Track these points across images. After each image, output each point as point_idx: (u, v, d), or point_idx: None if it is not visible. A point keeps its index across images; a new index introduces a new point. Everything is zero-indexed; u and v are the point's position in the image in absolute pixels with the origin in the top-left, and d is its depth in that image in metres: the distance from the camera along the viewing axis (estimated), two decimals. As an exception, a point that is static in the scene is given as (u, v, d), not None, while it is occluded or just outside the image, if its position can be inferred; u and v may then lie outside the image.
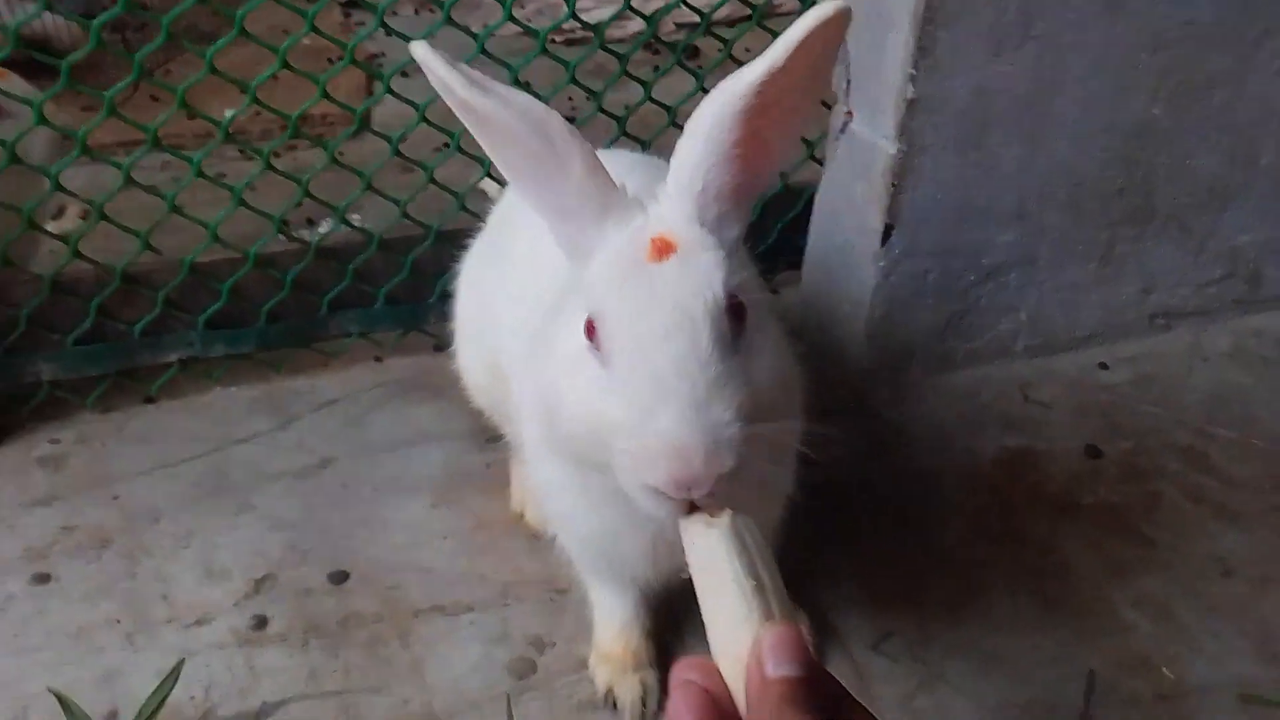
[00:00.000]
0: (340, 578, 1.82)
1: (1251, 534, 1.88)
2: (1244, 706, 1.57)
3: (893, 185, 2.01)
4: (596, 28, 2.22)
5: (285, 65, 1.96)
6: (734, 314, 1.01)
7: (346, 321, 2.32)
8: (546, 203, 1.09)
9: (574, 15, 2.17)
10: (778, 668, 0.81)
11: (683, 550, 0.97)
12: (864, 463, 2.00)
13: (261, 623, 1.73)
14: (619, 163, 1.67)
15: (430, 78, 1.03)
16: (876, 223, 2.06)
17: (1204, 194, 2.24)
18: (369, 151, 2.34)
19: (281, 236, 2.17)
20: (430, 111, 2.10)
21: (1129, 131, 2.10)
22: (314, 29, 1.97)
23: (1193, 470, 2.03)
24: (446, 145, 2.19)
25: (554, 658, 1.68)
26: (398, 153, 2.16)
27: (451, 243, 2.16)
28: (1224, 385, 2.26)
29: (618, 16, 2.31)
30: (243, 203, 2.07)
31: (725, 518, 0.95)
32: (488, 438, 2.12)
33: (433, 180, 2.20)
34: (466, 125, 1.07)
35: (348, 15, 4.39)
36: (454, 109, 1.05)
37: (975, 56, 1.90)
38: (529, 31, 2.18)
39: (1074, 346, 2.35)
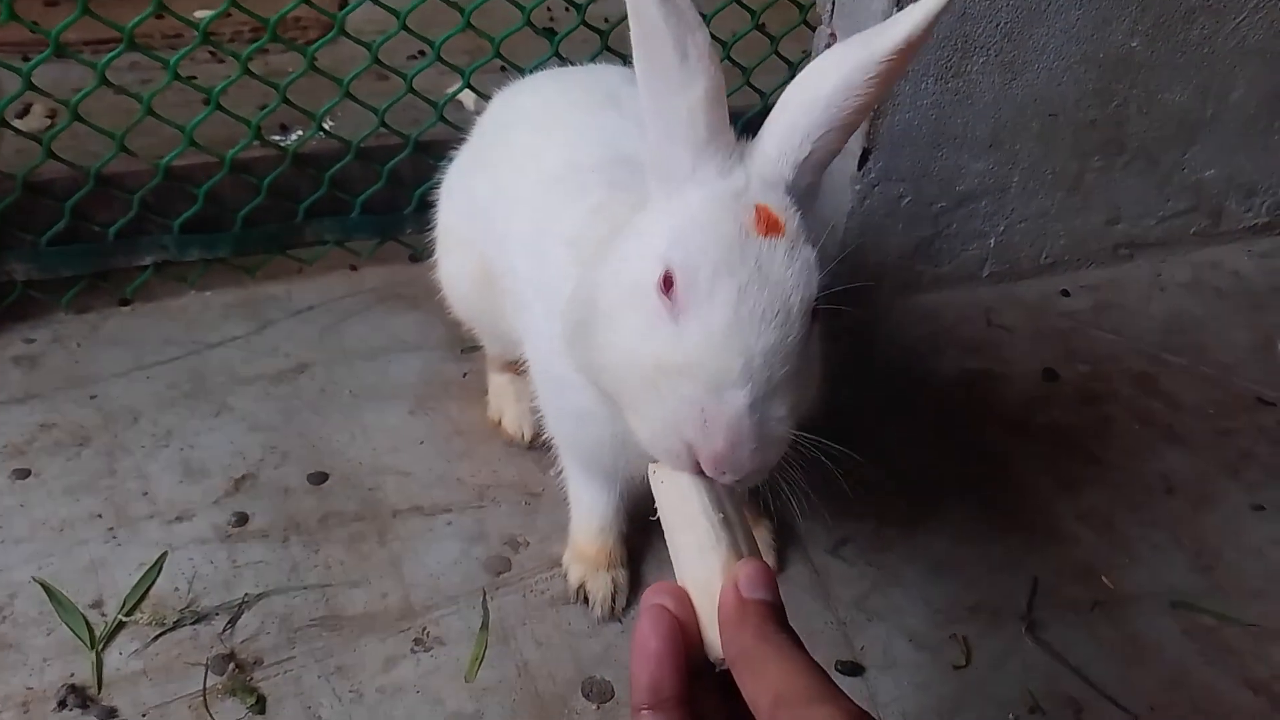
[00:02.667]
0: (320, 478, 1.86)
1: (1195, 455, 1.97)
2: (1174, 612, 1.67)
3: (872, 110, 2.03)
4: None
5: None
6: (811, 316, 1.02)
7: (322, 229, 2.32)
8: (659, 113, 1.05)
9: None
10: (754, 591, 0.85)
11: None
12: (827, 382, 2.06)
13: (242, 519, 1.77)
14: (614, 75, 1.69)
15: None
16: (855, 146, 2.08)
17: (1173, 127, 2.29)
18: (344, 56, 2.30)
19: (257, 142, 2.15)
20: (409, 18, 2.08)
21: (1106, 64, 2.13)
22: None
23: (1143, 395, 2.12)
24: (423, 53, 2.18)
25: (528, 556, 1.75)
26: (377, 60, 2.13)
27: (429, 153, 2.19)
28: (1179, 315, 2.35)
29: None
30: (219, 106, 2.05)
31: None
32: (464, 348, 2.16)
33: (412, 89, 2.19)
34: (629, 11, 1.02)
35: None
36: None
37: (960, -21, 1.92)
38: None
39: (1038, 274, 2.41)
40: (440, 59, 2.16)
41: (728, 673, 0.84)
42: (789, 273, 1.00)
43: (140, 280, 2.22)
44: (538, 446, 1.92)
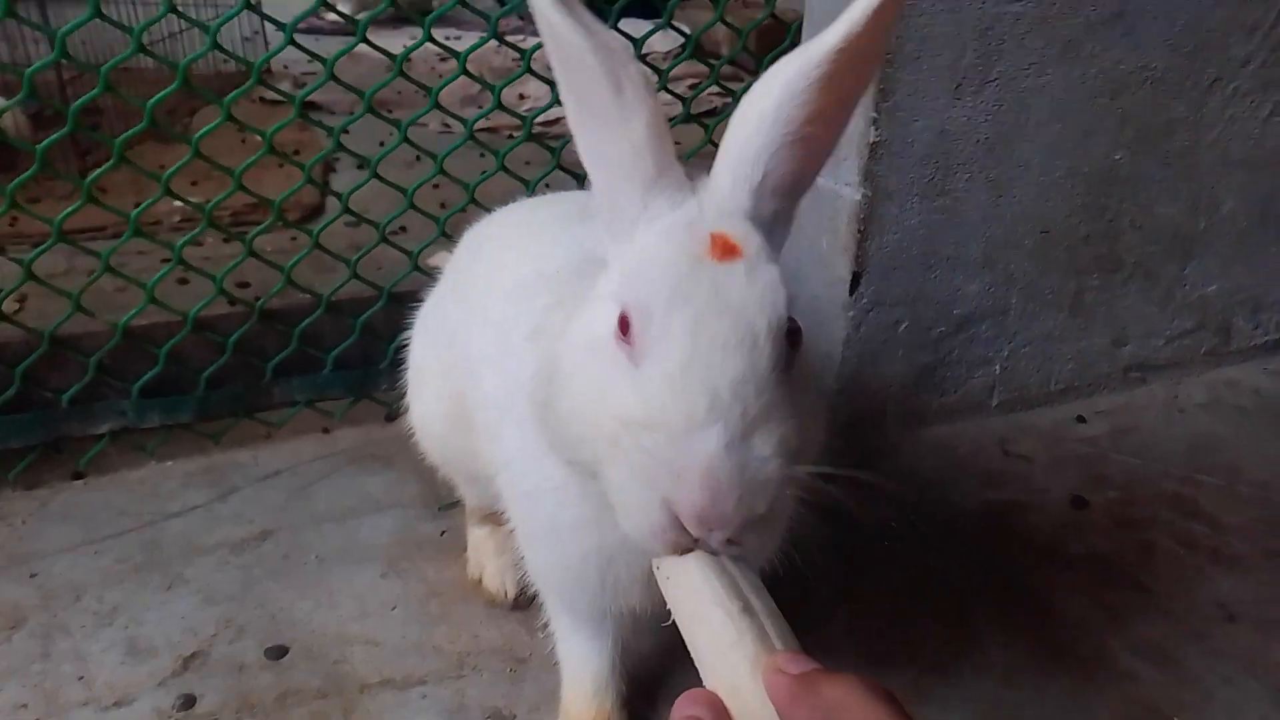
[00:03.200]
0: (279, 653, 1.66)
1: (1251, 578, 1.79)
2: (1268, 755, 1.45)
3: (859, 232, 1.97)
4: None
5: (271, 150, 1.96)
6: (790, 339, 0.91)
7: (292, 389, 2.20)
8: (600, 154, 0.98)
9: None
10: (802, 666, 0.73)
11: None
12: (843, 519, 1.89)
13: (189, 702, 1.56)
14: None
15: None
16: (844, 272, 2.00)
17: (1168, 242, 2.23)
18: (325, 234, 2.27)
19: (223, 298, 2.06)
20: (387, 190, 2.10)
21: (1093, 178, 2.09)
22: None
23: (1183, 518, 1.95)
24: (404, 229, 2.16)
25: (515, 730, 1.52)
26: (347, 209, 2.10)
27: (404, 304, 2.09)
28: (1204, 435, 2.21)
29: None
30: (183, 262, 1.98)
31: (696, 552, 0.86)
32: (441, 505, 2.01)
33: (385, 239, 2.12)
34: (549, 53, 0.96)
35: (305, 115, 4.42)
36: (545, 41, 0.94)
37: (936, 99, 1.89)
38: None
39: (1049, 401, 2.29)
40: (413, 206, 2.12)
41: None
42: (751, 295, 0.89)
43: (95, 450, 2.08)
44: (523, 606, 1.75)
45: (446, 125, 4.07)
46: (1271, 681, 1.57)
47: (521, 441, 1.19)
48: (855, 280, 2.00)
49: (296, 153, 3.09)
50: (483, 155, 2.29)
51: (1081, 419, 2.26)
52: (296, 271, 2.11)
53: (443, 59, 4.72)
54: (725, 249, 0.91)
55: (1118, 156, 2.09)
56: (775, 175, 0.97)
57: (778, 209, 1.00)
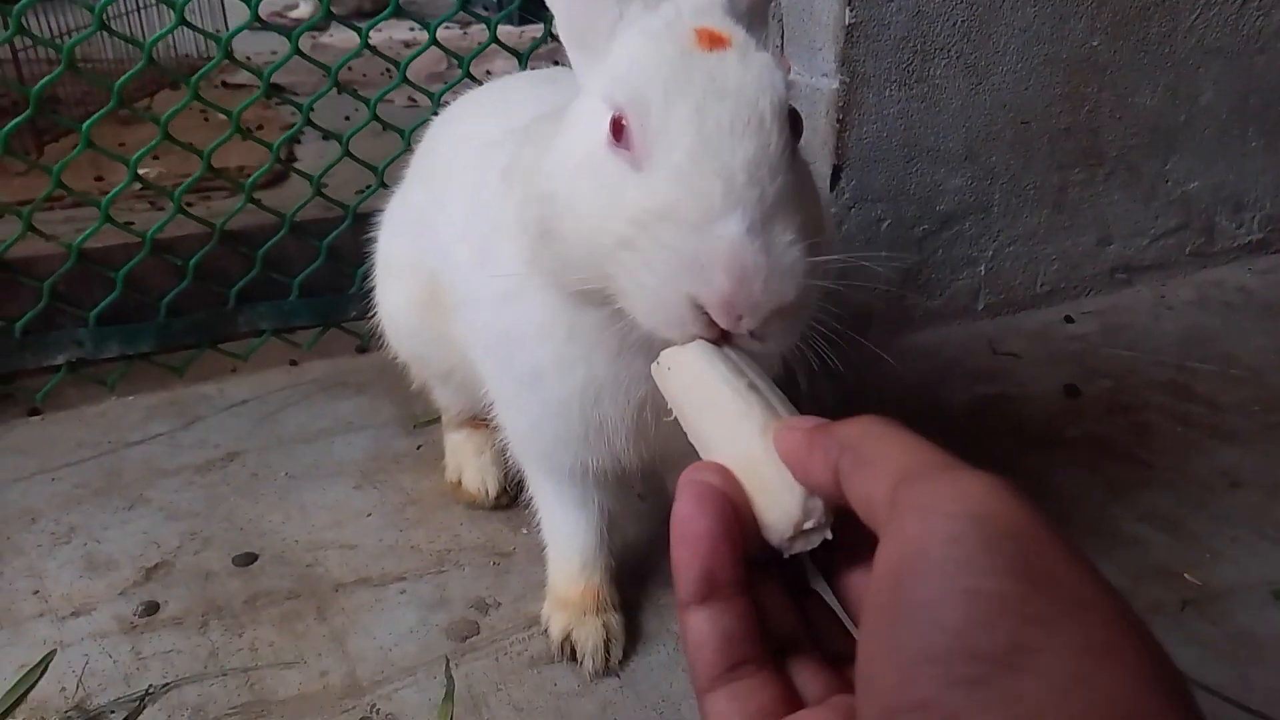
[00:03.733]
0: (247, 559, 1.57)
1: (1253, 449, 1.74)
2: (1278, 602, 1.39)
3: (838, 122, 1.92)
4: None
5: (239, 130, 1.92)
6: (792, 124, 0.87)
7: (257, 316, 2.12)
8: None
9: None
10: (812, 422, 0.66)
11: (665, 409, 0.81)
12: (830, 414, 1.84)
13: (152, 608, 1.47)
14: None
15: None
16: (824, 167, 1.95)
17: (1149, 134, 2.19)
18: (291, 196, 2.20)
19: (181, 215, 1.97)
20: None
21: (1070, 64, 2.05)
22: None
23: (1178, 400, 1.90)
24: (370, 186, 2.11)
25: (500, 617, 1.45)
26: (319, 192, 2.06)
27: (371, 225, 2.02)
28: (1195, 328, 2.17)
29: None
30: (138, 178, 1.90)
31: (696, 341, 0.81)
32: (418, 422, 1.93)
33: (348, 153, 2.05)
34: None
35: (269, 97, 4.37)
36: None
37: (909, -21, 1.85)
38: None
39: (1036, 304, 2.25)
40: (384, 185, 2.06)
41: (797, 566, 0.69)
42: (748, 78, 0.85)
43: (52, 384, 1.98)
44: (504, 505, 1.68)
45: (413, 100, 4.02)
46: (1279, 537, 1.53)
47: (497, 282, 1.13)
48: (836, 174, 1.95)
49: (260, 128, 3.04)
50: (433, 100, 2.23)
51: (1069, 319, 2.21)
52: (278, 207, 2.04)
53: (407, 45, 4.70)
54: (713, 40, 0.88)
55: (1095, 43, 2.05)
56: None
57: (751, 3, 0.96)
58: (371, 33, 1.98)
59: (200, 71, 1.88)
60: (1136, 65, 2.11)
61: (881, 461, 0.58)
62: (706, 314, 0.80)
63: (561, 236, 0.93)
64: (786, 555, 0.66)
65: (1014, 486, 0.53)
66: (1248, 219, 2.40)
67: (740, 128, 0.82)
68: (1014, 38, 1.97)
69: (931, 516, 0.52)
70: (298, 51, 1.93)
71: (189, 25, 1.83)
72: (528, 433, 1.28)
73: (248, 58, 4.93)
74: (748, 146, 0.82)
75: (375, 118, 2.06)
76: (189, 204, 1.99)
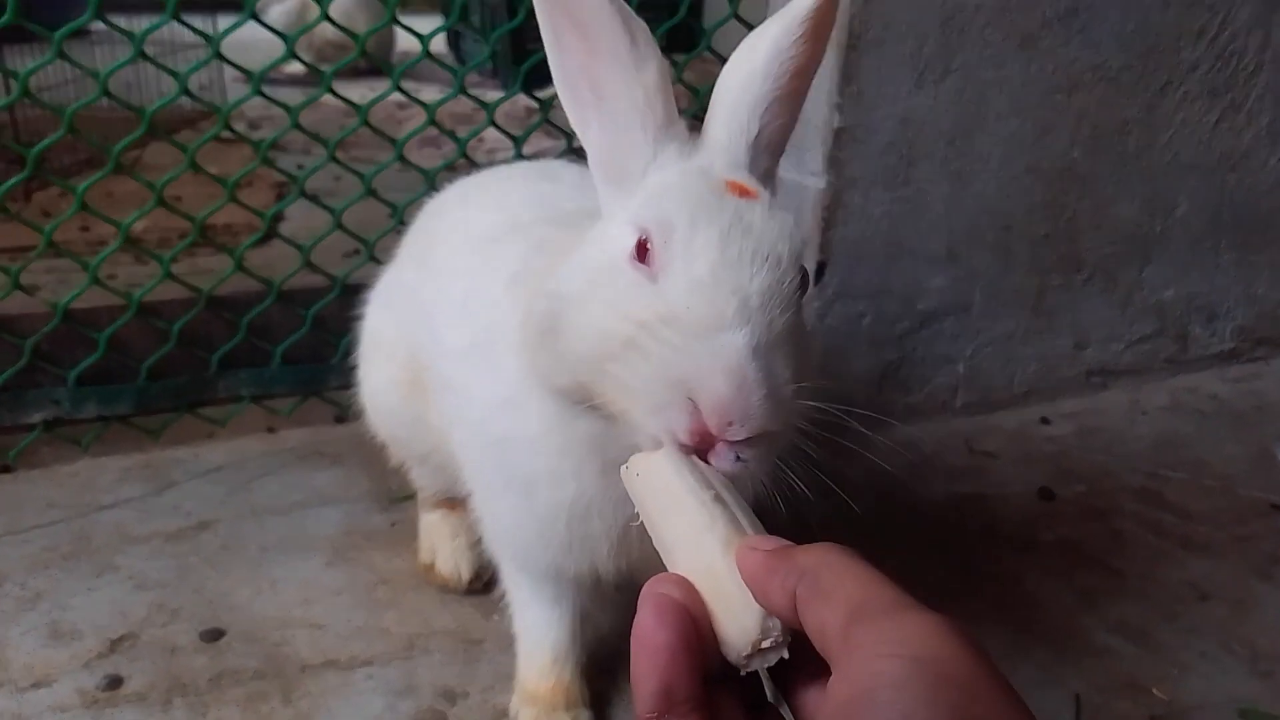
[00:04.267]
0: (214, 635, 1.55)
1: (1221, 560, 1.76)
2: (1246, 722, 1.40)
3: (824, 220, 1.96)
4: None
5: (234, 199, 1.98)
6: (802, 278, 0.91)
7: (238, 382, 2.12)
8: (602, 104, 1.00)
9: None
10: (774, 543, 0.70)
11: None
12: (810, 509, 1.84)
13: (115, 683, 1.45)
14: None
15: None
16: (810, 263, 1.99)
17: (1126, 243, 2.25)
18: (275, 256, 2.23)
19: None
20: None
21: (1051, 174, 2.11)
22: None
23: (1150, 507, 1.92)
24: (358, 252, 2.13)
25: (467, 708, 1.43)
26: (308, 263, 2.10)
27: (357, 297, 2.04)
28: (1168, 434, 2.20)
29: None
30: (129, 239, 1.91)
31: (664, 449, 0.83)
32: (392, 499, 1.92)
33: (340, 226, 2.07)
34: (543, 11, 0.98)
35: (268, 160, 4.41)
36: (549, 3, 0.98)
37: (898, 86, 1.90)
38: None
39: (1013, 403, 2.27)
40: (374, 258, 2.08)
41: (754, 681, 0.70)
42: (772, 225, 0.90)
43: (26, 442, 1.97)
44: (477, 590, 1.67)
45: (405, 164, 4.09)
46: (1246, 655, 1.53)
47: (495, 388, 1.16)
48: (820, 270, 1.99)
49: (249, 184, 3.07)
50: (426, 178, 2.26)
51: (1046, 420, 2.24)
52: (260, 268, 2.05)
53: (401, 106, 4.76)
54: (743, 191, 0.94)
55: (1075, 154, 2.11)
56: (767, 130, 1.01)
57: (767, 166, 1.02)
58: (366, 91, 2.02)
59: (198, 142, 1.91)
60: (1115, 177, 2.17)
61: (837, 594, 0.60)
62: (699, 416, 0.81)
63: (565, 333, 0.95)
64: (744, 672, 0.67)
65: (961, 628, 0.56)
66: (1220, 328, 2.45)
67: (760, 260, 0.87)
68: (997, 146, 2.03)
69: (880, 659, 0.55)
70: (297, 125, 1.96)
71: (191, 96, 1.86)
72: (509, 532, 1.28)
73: (242, 112, 5.00)
74: (764, 277, 0.86)
75: (370, 193, 2.08)
76: (157, 254, 1.99)
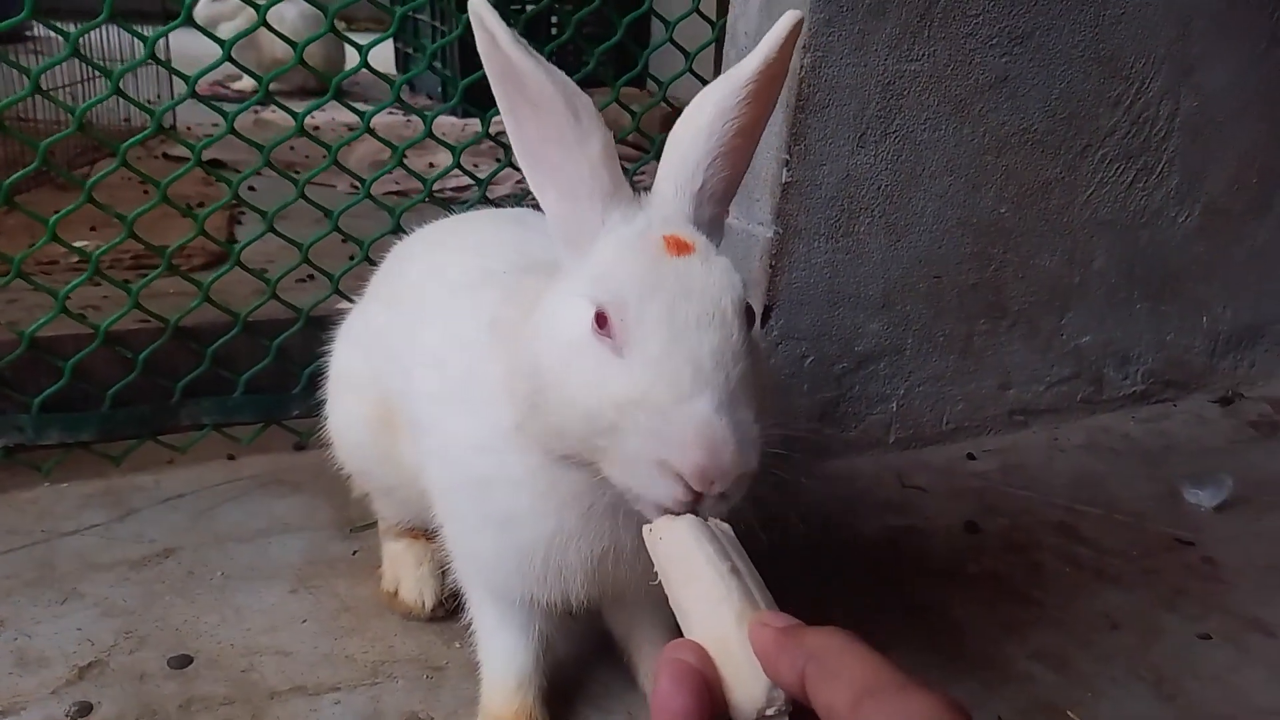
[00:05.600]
0: (182, 662, 1.60)
1: (1130, 593, 1.91)
2: (1152, 743, 1.54)
3: (770, 267, 2.08)
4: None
5: (165, 199, 1.96)
6: (747, 317, 1.02)
7: (200, 410, 2.16)
8: (555, 178, 1.09)
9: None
10: (785, 620, 0.78)
11: (624, 559, 1.04)
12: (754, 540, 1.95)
13: (85, 709, 1.49)
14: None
15: (479, 32, 1.04)
16: (756, 305, 2.08)
17: (1048, 293, 2.41)
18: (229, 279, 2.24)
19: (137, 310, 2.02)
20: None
21: (980, 229, 2.26)
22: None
23: (1067, 541, 2.07)
24: (311, 278, 2.18)
25: (433, 733, 1.50)
26: (274, 295, 2.15)
27: (322, 328, 2.09)
28: (1084, 472, 2.36)
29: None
30: (98, 270, 1.94)
31: (688, 515, 0.93)
32: (354, 527, 1.98)
33: (307, 260, 2.13)
34: (497, 88, 1.07)
35: (208, 174, 4.40)
36: (492, 71, 1.06)
37: (842, 145, 2.04)
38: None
39: (942, 439, 2.42)
40: (339, 292, 2.15)
41: None
42: (711, 279, 1.01)
43: (-15, 468, 1.99)
44: (440, 618, 1.74)
45: (354, 187, 4.12)
46: (1152, 679, 1.68)
47: (475, 431, 1.23)
48: (766, 313, 2.11)
49: (200, 205, 3.09)
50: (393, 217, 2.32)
51: (972, 456, 2.39)
52: (217, 293, 2.09)
53: (350, 128, 4.79)
54: (679, 246, 1.04)
55: (1003, 210, 2.27)
56: (711, 183, 1.11)
57: (712, 214, 1.13)
58: (315, 114, 2.07)
59: (130, 140, 1.89)
60: (1038, 232, 2.34)
61: (844, 674, 0.68)
62: (684, 484, 0.92)
63: (552, 412, 1.05)
64: None
65: (960, 705, 0.63)
66: (1132, 371, 2.63)
67: (706, 322, 0.97)
68: (930, 202, 2.18)
69: None
70: (233, 130, 2.00)
71: (123, 95, 1.89)
72: (485, 564, 1.36)
73: (188, 128, 4.98)
74: (713, 338, 0.96)
75: (304, 197, 2.12)
76: (126, 280, 2.03)
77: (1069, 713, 1.59)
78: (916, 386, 2.34)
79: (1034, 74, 2.18)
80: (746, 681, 0.75)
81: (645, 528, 0.94)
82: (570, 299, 1.06)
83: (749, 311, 1.02)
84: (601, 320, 1.00)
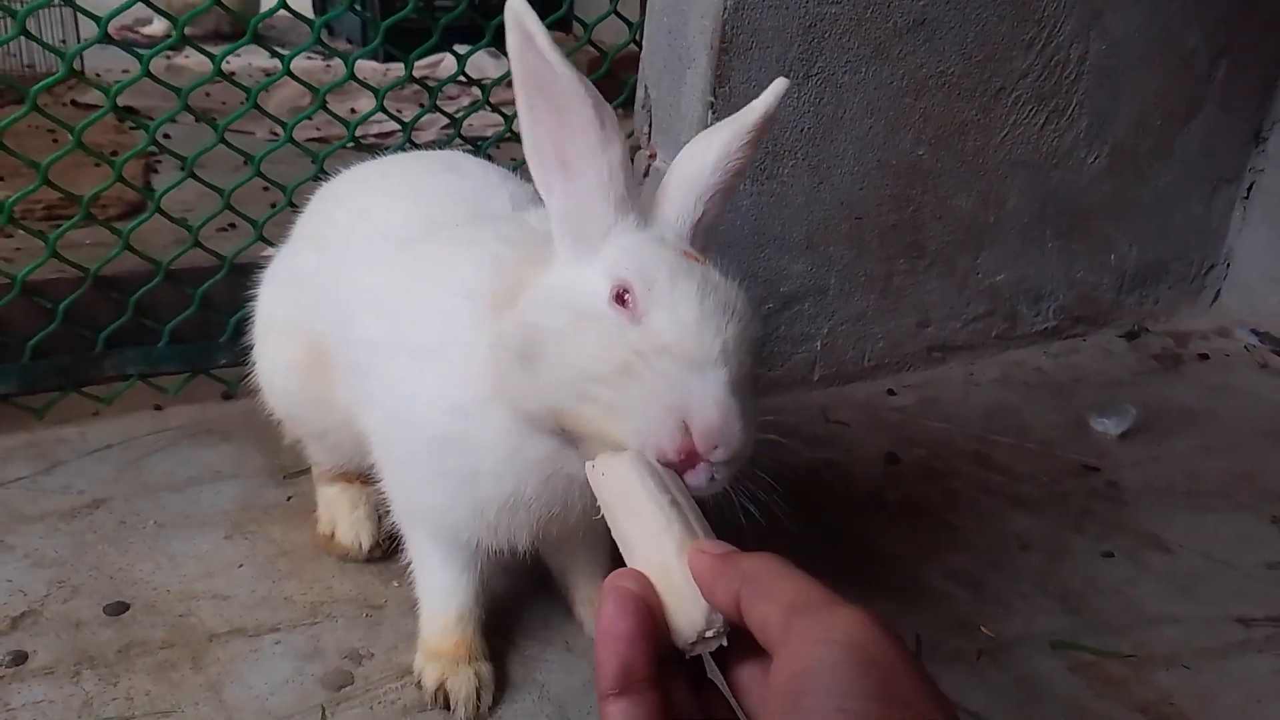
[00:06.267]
0: (119, 609, 1.61)
1: (1040, 516, 2.02)
2: (1055, 652, 1.65)
3: (696, 209, 2.11)
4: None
5: (80, 145, 1.90)
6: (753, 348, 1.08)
7: (124, 361, 2.13)
8: (570, 176, 1.13)
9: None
10: (723, 548, 0.82)
11: (571, 518, 1.12)
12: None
13: (20, 658, 1.49)
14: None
15: (515, 33, 1.07)
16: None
17: (964, 232, 2.49)
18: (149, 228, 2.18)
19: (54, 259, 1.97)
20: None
21: (899, 170, 2.32)
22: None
23: (981, 469, 2.17)
24: (233, 225, 2.15)
25: (373, 668, 1.54)
26: (198, 242, 2.11)
27: (246, 276, 2.07)
28: (997, 404, 2.47)
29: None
30: (12, 219, 1.89)
31: (630, 451, 0.97)
32: (287, 474, 1.99)
33: (229, 205, 2.10)
34: (522, 86, 1.10)
35: (122, 120, 4.25)
36: (521, 69, 1.09)
37: (765, 87, 2.06)
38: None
39: (864, 376, 2.50)
40: (263, 238, 2.12)
41: (697, 661, 0.83)
42: (731, 285, 1.08)
43: (-101, 423, 1.94)
44: (376, 558, 1.76)
45: (274, 133, 4.02)
46: (1058, 595, 1.79)
47: (447, 394, 1.26)
48: (693, 255, 2.14)
49: (114, 153, 2.99)
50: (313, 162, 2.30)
51: (892, 392, 2.48)
52: (135, 241, 2.05)
53: (268, 74, 4.65)
54: (695, 259, 1.10)
55: (920, 152, 2.33)
56: (709, 215, 1.18)
57: (704, 243, 1.19)
58: (230, 58, 2.03)
59: (40, 84, 1.84)
60: (955, 173, 2.41)
61: (776, 595, 0.73)
62: (689, 438, 0.96)
63: (544, 361, 1.08)
64: (688, 656, 0.80)
65: (882, 621, 0.69)
66: (1044, 308, 2.74)
67: (729, 312, 1.04)
68: (851, 145, 2.23)
69: (816, 645, 0.67)
70: (148, 73, 1.94)
71: (29, 36, 1.83)
72: (433, 513, 1.39)
73: (98, 74, 4.80)
74: (735, 326, 1.03)
75: (224, 142, 2.08)
76: (41, 232, 1.98)
77: (982, 628, 1.69)
78: (839, 325, 2.41)
79: (950, 17, 2.23)
80: (687, 606, 0.79)
81: (588, 464, 0.98)
82: (583, 276, 1.10)
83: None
84: (620, 298, 1.05)
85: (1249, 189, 2.95)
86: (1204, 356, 2.81)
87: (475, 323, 1.23)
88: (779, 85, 1.19)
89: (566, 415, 1.05)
